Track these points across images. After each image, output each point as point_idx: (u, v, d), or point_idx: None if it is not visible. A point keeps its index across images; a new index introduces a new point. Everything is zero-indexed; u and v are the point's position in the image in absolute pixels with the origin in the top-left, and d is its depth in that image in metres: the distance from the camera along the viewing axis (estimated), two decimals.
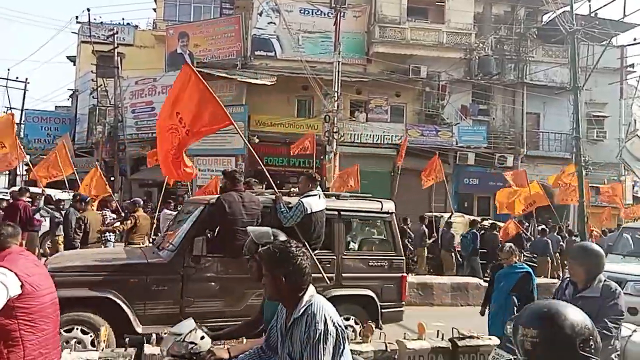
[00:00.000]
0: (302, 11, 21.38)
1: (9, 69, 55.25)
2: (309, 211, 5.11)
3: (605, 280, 3.10)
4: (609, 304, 2.97)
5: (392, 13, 21.25)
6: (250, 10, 21.70)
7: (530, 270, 5.36)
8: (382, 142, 20.45)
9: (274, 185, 5.71)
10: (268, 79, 19.32)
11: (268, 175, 5.89)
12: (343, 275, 5.62)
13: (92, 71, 23.44)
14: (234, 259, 4.86)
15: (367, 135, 20.51)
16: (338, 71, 17.14)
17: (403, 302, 5.98)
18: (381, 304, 5.67)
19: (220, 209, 5.05)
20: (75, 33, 27.34)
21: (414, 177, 15.70)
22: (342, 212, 5.81)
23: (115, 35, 22.33)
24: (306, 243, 5.01)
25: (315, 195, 5.36)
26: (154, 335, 3.94)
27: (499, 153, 20.86)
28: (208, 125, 5.47)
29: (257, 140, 19.46)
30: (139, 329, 4.64)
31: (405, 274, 6.08)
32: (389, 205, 6.17)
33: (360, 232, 7.03)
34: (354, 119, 20.82)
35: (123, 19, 26.87)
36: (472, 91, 21.96)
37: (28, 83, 31.48)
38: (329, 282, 5.36)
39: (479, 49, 21.55)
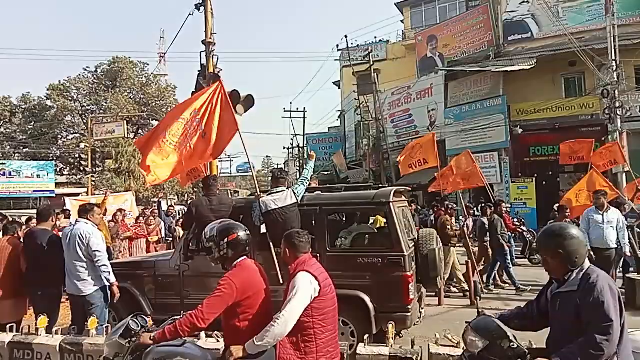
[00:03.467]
0: None
1: (291, 102, 66.01)
2: (264, 210, 5.13)
3: (588, 268, 2.40)
4: (589, 303, 2.25)
5: None
6: None
7: None
8: None
9: (257, 183, 5.76)
10: (526, 63, 17.76)
11: (254, 175, 6.15)
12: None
13: (354, 91, 25.88)
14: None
15: None
16: (614, 36, 14.53)
17: (407, 306, 4.92)
18: (376, 306, 4.90)
19: (189, 212, 5.69)
20: (338, 60, 30.68)
21: None
22: (323, 207, 5.34)
23: (370, 54, 24.08)
24: (271, 243, 5.07)
25: (279, 192, 5.26)
26: None
27: None
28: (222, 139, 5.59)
29: (520, 131, 18.05)
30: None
31: (407, 273, 4.89)
32: (383, 194, 5.23)
33: (353, 227, 5.94)
34: None
35: (375, 37, 28.84)
36: None
37: (306, 112, 36.86)
38: (282, 280, 4.84)
39: None
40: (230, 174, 62.98)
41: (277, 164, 68.62)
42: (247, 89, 8.73)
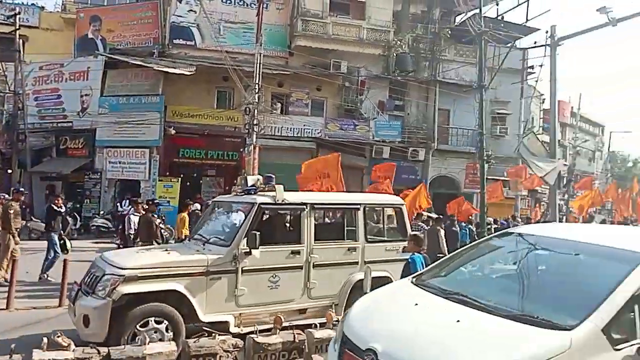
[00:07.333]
0: (224, 0, 20.93)
1: None
2: None
3: None
4: None
5: (314, 7, 21.39)
6: None
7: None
8: (302, 135, 20.63)
9: None
10: (187, 68, 18.73)
11: None
12: None
13: None
14: None
15: (287, 128, 20.58)
16: (259, 63, 16.96)
17: None
18: None
19: None
20: None
21: None
22: None
23: (18, 16, 20.54)
24: None
25: None
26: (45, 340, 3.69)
27: (412, 147, 21.77)
28: None
29: (173, 132, 18.88)
30: None
31: None
32: None
33: None
34: (274, 111, 20.79)
35: None
36: (389, 87, 22.64)
37: None
38: None
39: (397, 46, 22.27)
40: None
41: None
42: None
